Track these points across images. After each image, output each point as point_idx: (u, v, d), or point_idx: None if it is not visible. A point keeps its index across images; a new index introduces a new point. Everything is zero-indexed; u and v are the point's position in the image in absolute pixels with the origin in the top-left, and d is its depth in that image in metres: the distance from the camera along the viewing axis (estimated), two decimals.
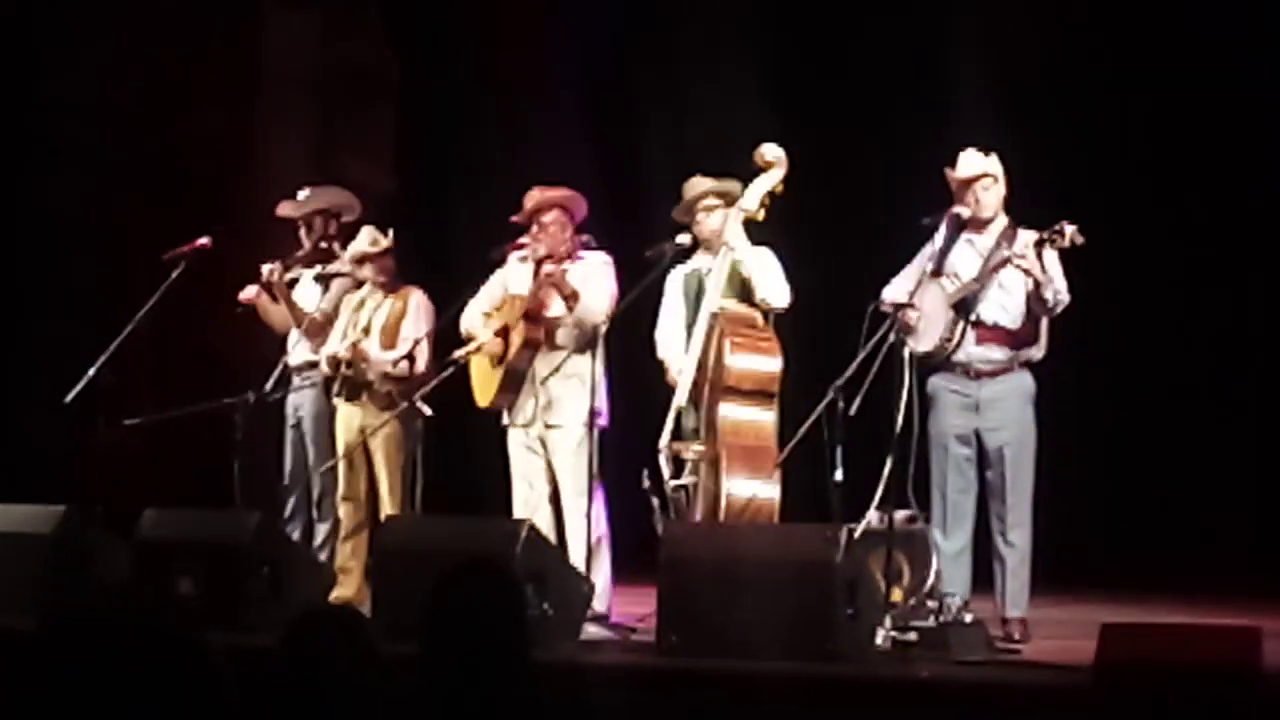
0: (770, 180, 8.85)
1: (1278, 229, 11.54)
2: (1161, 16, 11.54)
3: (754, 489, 8.42)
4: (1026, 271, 8.36)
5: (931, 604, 8.48)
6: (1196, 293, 11.69)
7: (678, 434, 8.79)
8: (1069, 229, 8.19)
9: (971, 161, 8.60)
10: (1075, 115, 11.57)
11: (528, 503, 9.02)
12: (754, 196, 8.84)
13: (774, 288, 8.77)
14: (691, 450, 8.68)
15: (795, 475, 8.51)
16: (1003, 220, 8.63)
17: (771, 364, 8.65)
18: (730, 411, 8.59)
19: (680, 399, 8.76)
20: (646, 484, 8.72)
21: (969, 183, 8.58)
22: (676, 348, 8.98)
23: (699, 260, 9.03)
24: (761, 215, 8.87)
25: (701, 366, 8.72)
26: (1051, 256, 8.44)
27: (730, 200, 8.92)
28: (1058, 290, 8.43)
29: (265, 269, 9.81)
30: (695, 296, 8.96)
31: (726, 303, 8.78)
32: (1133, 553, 11.03)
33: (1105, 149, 11.60)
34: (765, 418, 8.60)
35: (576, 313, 8.98)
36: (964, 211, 8.57)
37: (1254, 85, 11.37)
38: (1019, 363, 8.55)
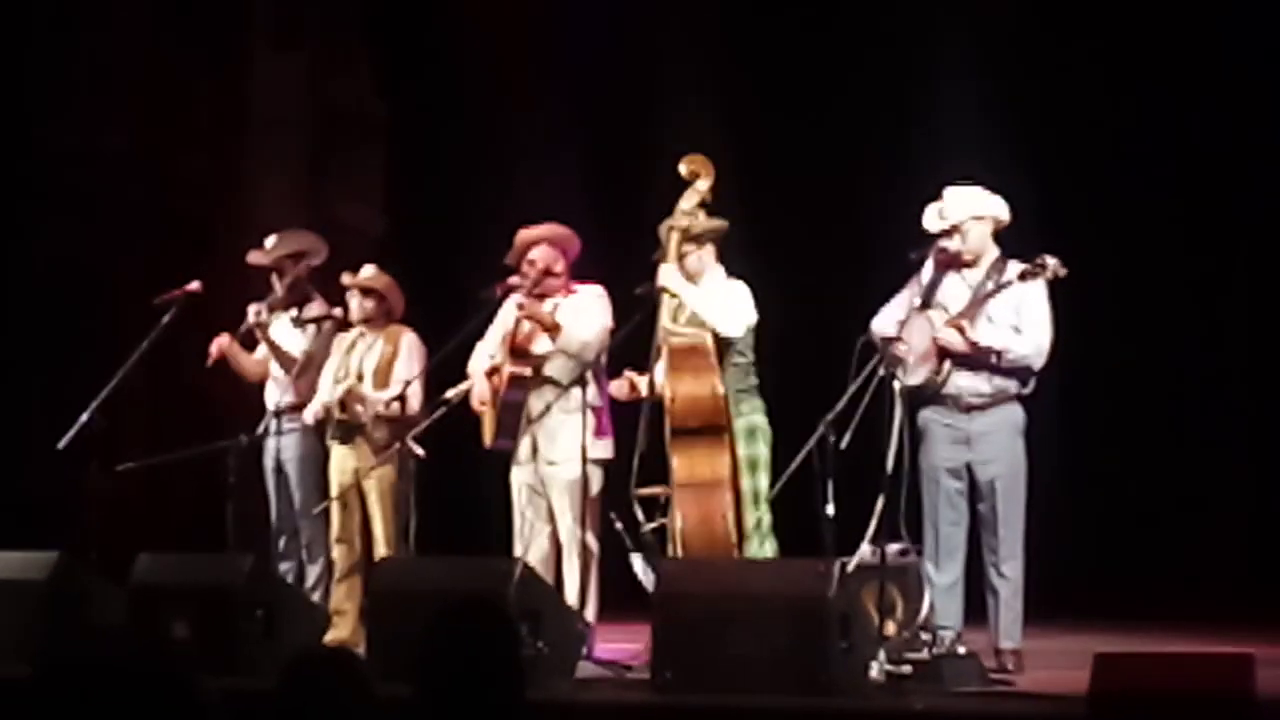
0: (698, 192, 8.82)
1: (1267, 259, 11.57)
2: (1147, 31, 11.58)
3: (711, 527, 8.42)
4: (952, 347, 8.40)
5: (925, 636, 8.49)
6: (1183, 322, 11.71)
7: (648, 478, 8.76)
8: (1050, 261, 8.24)
9: (950, 208, 8.58)
10: (1062, 145, 11.60)
11: (527, 541, 9.03)
12: (684, 215, 8.81)
13: (723, 316, 8.71)
14: (658, 492, 8.68)
15: (787, 510, 8.51)
16: (994, 252, 8.63)
17: (713, 392, 8.57)
18: (681, 453, 8.58)
19: (641, 443, 8.72)
20: (618, 525, 8.71)
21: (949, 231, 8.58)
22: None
23: None
24: (697, 229, 8.79)
25: (658, 402, 8.71)
26: (1035, 298, 8.43)
27: (703, 238, 8.91)
28: (1007, 350, 8.41)
29: (251, 310, 9.82)
30: None
31: (677, 332, 8.71)
32: (1124, 581, 11.04)
33: (1094, 180, 11.63)
34: (718, 454, 8.56)
35: (561, 344, 8.97)
36: (950, 244, 8.58)
37: (1237, 103, 11.43)
38: (1009, 395, 8.54)
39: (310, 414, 9.58)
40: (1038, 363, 8.50)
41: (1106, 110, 11.72)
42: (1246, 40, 11.40)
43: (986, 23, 11.67)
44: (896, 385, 8.34)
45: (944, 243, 8.56)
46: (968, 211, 8.55)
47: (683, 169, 8.87)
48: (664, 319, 8.75)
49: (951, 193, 8.61)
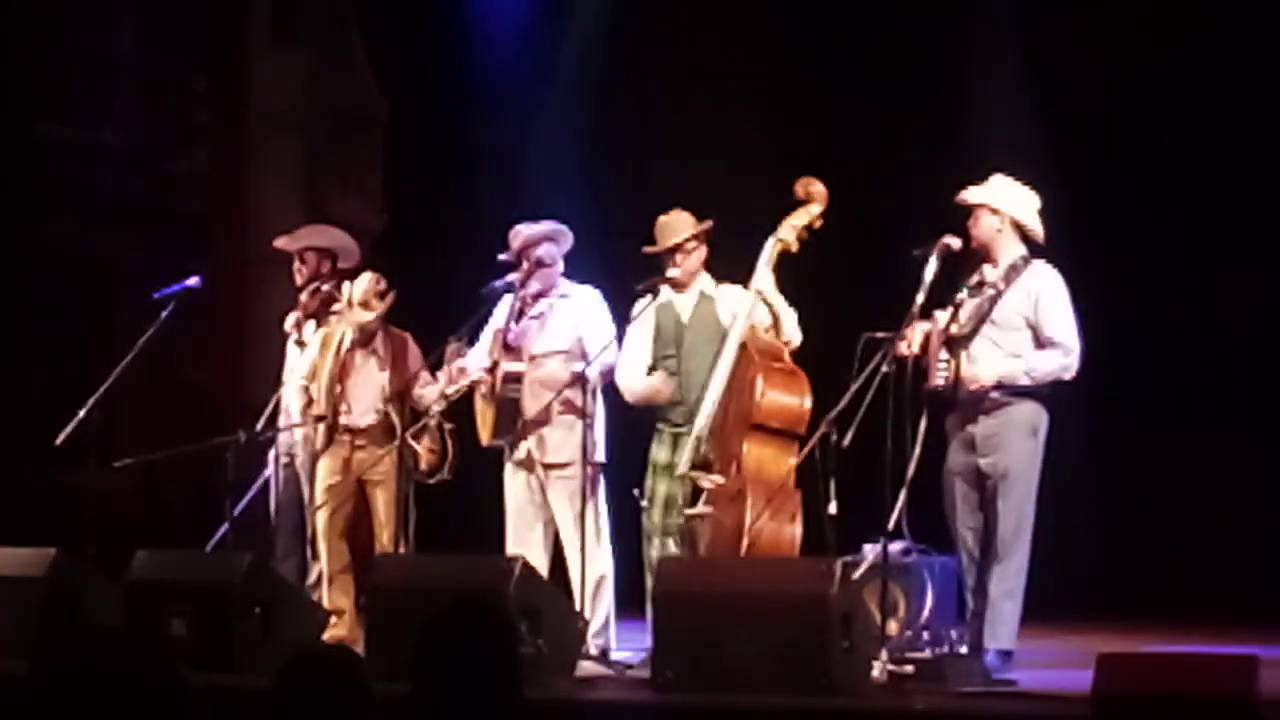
0: (809, 214, 8.71)
1: (1272, 260, 11.55)
2: (1178, 31, 11.58)
3: (779, 528, 8.32)
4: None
5: (927, 636, 8.45)
6: (1189, 324, 11.68)
7: (693, 462, 8.68)
8: (945, 240, 8.20)
9: (975, 191, 8.48)
10: (1090, 147, 11.56)
11: (523, 539, 9.00)
12: (791, 230, 8.70)
13: (796, 327, 8.71)
14: (708, 481, 8.56)
15: None
16: (1014, 253, 8.45)
17: (802, 402, 8.46)
18: (755, 449, 8.42)
19: (701, 428, 8.65)
20: (644, 503, 8.64)
21: (969, 212, 8.44)
22: (637, 377, 8.93)
23: (669, 294, 8.95)
24: (796, 248, 8.74)
25: (726, 398, 8.63)
26: (1057, 307, 8.32)
27: (706, 239, 8.86)
28: (1031, 370, 8.32)
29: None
30: (674, 332, 8.88)
31: (755, 331, 8.67)
32: (1127, 582, 11.02)
33: (1123, 181, 11.60)
34: (788, 458, 8.41)
35: (592, 379, 8.88)
36: (954, 242, 8.45)
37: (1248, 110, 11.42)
38: (1019, 394, 8.39)
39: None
40: (1071, 371, 8.40)
41: (1143, 118, 11.67)
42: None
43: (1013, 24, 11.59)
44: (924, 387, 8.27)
45: (948, 239, 8.43)
46: (983, 198, 8.40)
47: (799, 190, 8.74)
48: (739, 323, 8.63)
49: (995, 180, 8.47)
